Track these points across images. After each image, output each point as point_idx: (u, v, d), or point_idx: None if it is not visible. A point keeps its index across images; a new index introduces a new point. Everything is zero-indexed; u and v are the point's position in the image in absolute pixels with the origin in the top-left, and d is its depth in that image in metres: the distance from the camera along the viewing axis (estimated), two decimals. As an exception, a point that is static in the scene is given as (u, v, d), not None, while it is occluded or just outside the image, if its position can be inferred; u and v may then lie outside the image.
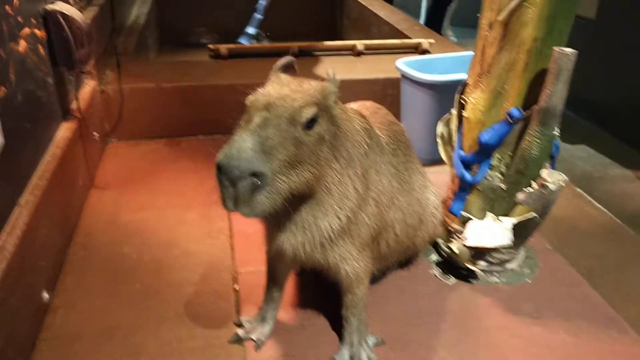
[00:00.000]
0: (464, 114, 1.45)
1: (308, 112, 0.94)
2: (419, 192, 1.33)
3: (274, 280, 1.29)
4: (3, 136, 1.17)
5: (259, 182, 0.89)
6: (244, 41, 3.61)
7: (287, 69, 1.09)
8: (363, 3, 3.71)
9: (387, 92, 2.33)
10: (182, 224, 1.76)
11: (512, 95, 1.34)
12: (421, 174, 1.38)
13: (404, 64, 2.08)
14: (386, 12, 3.47)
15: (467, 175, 1.42)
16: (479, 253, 1.46)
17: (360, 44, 2.63)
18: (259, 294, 1.35)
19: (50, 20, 1.64)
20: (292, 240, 1.07)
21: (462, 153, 1.44)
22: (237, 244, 1.66)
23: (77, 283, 1.49)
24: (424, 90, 1.98)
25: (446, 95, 1.96)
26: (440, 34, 3.95)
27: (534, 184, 1.34)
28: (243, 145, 0.88)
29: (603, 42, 2.63)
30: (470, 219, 1.46)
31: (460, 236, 1.49)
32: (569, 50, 1.24)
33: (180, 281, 1.50)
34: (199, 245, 1.65)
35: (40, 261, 1.37)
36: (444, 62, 2.20)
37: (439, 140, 1.59)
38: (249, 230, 1.70)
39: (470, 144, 1.43)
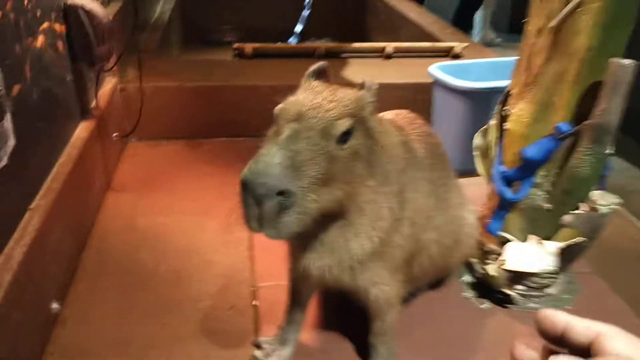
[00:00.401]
0: (506, 125, 1.35)
1: (343, 125, 0.86)
2: (456, 210, 1.23)
3: (296, 301, 1.20)
4: (14, 137, 1.10)
5: (287, 202, 0.80)
6: (294, 42, 3.50)
7: (320, 75, 1.00)
8: (391, 4, 3.61)
9: (418, 98, 2.23)
10: (201, 231, 1.68)
11: (561, 108, 1.24)
12: (458, 190, 1.28)
13: (438, 68, 1.98)
14: (416, 15, 3.36)
15: (508, 193, 1.32)
16: (517, 277, 1.35)
17: (390, 46, 2.53)
18: (279, 310, 1.26)
19: (70, 15, 1.57)
20: (318, 262, 0.98)
21: (502, 168, 1.34)
22: (257, 255, 1.58)
23: (89, 291, 1.42)
24: (459, 98, 1.88)
25: (482, 103, 1.86)
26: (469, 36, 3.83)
27: (583, 206, 1.23)
28: (271, 161, 0.79)
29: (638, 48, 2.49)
30: (510, 239, 1.35)
31: (497, 257, 1.38)
32: (627, 61, 1.13)
33: (198, 294, 1.41)
34: (217, 255, 1.57)
35: (50, 268, 1.30)
36: (479, 68, 2.09)
37: (475, 152, 1.49)
38: (270, 241, 1.61)
39: (512, 158, 1.33)
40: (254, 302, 1.39)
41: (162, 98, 2.20)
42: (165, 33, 3.02)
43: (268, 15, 3.95)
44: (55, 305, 1.29)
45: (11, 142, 1.08)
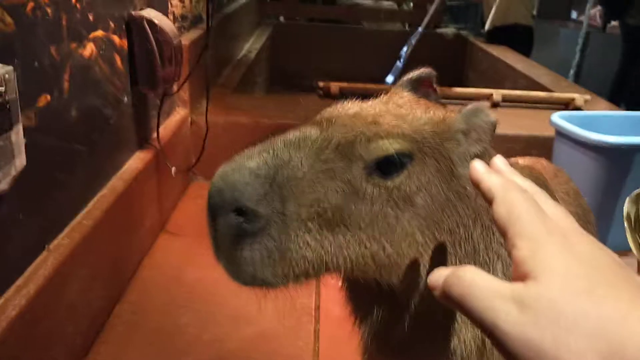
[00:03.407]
0: (681, 190, 0.97)
1: (383, 147, 0.54)
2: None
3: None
4: (25, 156, 0.85)
5: (249, 227, 0.52)
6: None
7: (419, 85, 0.69)
8: (495, 54, 3.28)
9: (532, 153, 1.85)
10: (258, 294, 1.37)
11: None
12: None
13: (562, 118, 1.62)
14: (524, 65, 3.01)
15: (683, 285, 0.93)
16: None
17: (497, 93, 2.19)
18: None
19: (134, 28, 1.36)
20: None
21: (674, 249, 0.95)
22: (324, 331, 1.25)
23: (113, 358, 1.14)
24: (592, 154, 1.50)
25: (622, 162, 1.48)
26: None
27: None
28: (242, 163, 0.54)
29: None
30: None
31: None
32: None
33: (243, 378, 1.10)
34: (274, 327, 1.26)
35: (64, 326, 1.03)
36: (612, 121, 1.71)
37: (625, 223, 1.11)
38: (340, 312, 1.28)
39: (690, 237, 0.94)
40: (314, 399, 1.06)
41: (235, 134, 1.96)
42: (249, 71, 2.85)
43: (360, 64, 3.74)
44: (63, 376, 1.02)
45: (19, 162, 0.83)
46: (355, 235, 0.54)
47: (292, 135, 0.56)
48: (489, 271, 0.61)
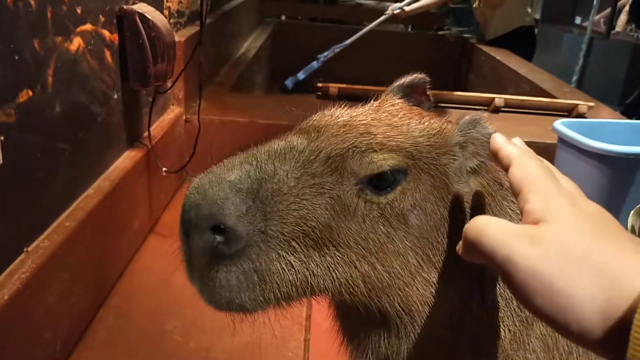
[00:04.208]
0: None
1: (378, 164, 0.50)
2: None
3: None
4: (1, 153, 0.81)
5: (226, 248, 0.47)
6: (288, 83, 3.42)
7: (411, 91, 0.65)
8: (499, 58, 3.24)
9: (533, 161, 1.82)
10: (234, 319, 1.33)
11: None
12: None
13: (565, 125, 1.58)
14: (527, 70, 2.97)
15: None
16: None
17: (499, 98, 2.14)
18: None
19: (126, 23, 1.32)
20: None
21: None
22: (314, 341, 1.21)
23: (93, 365, 1.09)
24: (596, 164, 1.45)
25: (626, 172, 1.44)
26: None
27: None
28: (221, 175, 0.49)
29: None
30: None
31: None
32: None
33: (229, 389, 1.06)
34: (262, 336, 1.21)
35: (42, 332, 0.99)
36: (616, 129, 1.67)
37: (630, 237, 1.07)
38: (332, 322, 1.24)
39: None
40: (301, 413, 1.01)
41: (230, 133, 1.92)
42: (246, 70, 2.80)
43: (360, 65, 3.70)
44: (39, 384, 0.98)
45: (-6, 160, 0.79)
46: (345, 255, 0.50)
47: (276, 145, 0.52)
48: (485, 293, 0.57)
